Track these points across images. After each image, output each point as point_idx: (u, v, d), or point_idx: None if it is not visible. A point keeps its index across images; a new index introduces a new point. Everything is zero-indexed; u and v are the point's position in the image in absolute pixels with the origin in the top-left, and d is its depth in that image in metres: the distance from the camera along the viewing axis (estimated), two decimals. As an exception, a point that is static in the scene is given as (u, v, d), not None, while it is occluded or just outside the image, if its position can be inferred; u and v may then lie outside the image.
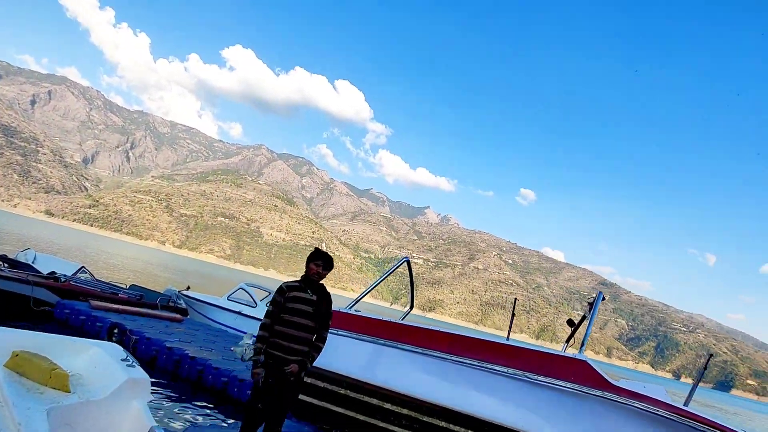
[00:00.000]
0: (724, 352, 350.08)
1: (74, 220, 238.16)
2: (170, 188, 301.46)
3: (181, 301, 11.74)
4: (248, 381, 6.46)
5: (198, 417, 5.63)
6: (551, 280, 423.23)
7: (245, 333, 10.01)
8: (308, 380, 4.61)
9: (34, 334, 2.35)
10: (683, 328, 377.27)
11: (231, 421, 5.71)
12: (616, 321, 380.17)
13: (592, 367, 3.97)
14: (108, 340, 5.59)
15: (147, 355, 7.34)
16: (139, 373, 2.57)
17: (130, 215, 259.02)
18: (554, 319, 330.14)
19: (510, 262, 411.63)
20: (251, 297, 11.18)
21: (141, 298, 10.57)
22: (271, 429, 3.12)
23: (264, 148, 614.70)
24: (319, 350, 3.19)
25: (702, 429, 3.63)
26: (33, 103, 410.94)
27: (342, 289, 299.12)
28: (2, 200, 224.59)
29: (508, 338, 6.09)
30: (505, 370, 4.08)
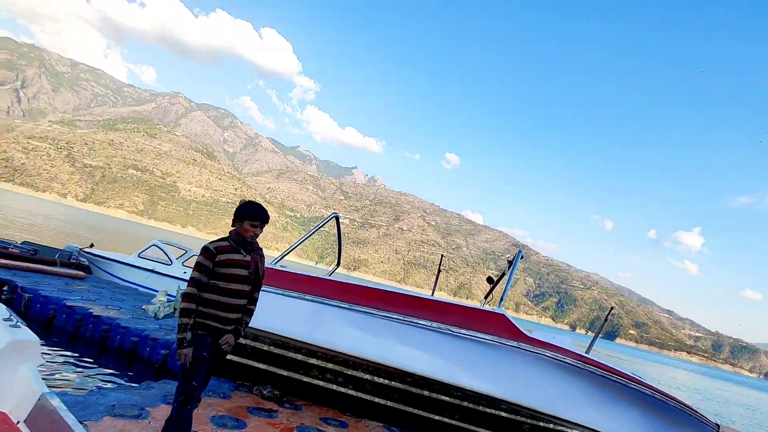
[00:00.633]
0: (612, 307, 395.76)
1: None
2: (72, 135, 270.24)
3: (84, 259, 10.78)
4: (162, 340, 6.10)
5: (103, 381, 5.15)
6: (470, 241, 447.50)
7: (155, 291, 9.47)
8: None
9: None
10: (581, 286, 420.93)
11: (143, 384, 5.16)
12: (525, 279, 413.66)
13: (509, 320, 4.23)
14: (-6, 299, 4.43)
15: (43, 314, 6.63)
16: (26, 334, 2.29)
17: (23, 164, 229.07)
18: (471, 278, 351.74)
19: (433, 223, 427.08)
20: (166, 254, 10.50)
21: (36, 253, 9.52)
22: None
23: (181, 96, 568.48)
24: (251, 314, 2.97)
25: (601, 374, 4.13)
26: None
27: (266, 248, 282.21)
28: None
29: (433, 294, 6.21)
30: (430, 323, 4.24)
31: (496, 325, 4.22)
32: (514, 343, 4.15)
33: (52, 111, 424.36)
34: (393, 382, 4.42)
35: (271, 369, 4.59)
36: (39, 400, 2.07)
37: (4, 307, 2.44)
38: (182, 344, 2.63)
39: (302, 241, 5.07)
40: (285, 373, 4.56)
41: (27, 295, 6.83)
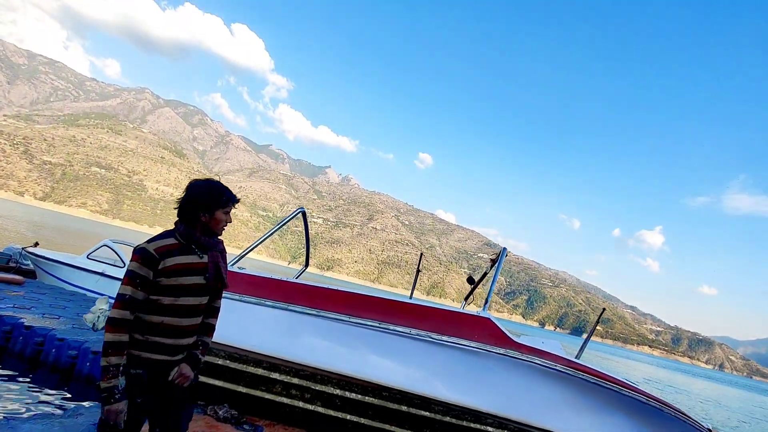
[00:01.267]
0: (580, 303, 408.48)
1: None
2: (29, 131, 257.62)
3: (28, 261, 9.88)
4: None
5: (33, 404, 4.26)
6: (443, 240, 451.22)
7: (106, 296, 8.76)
8: None
9: None
10: (550, 284, 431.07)
11: (85, 403, 4.45)
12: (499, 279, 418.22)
13: (495, 324, 3.89)
14: None
15: (-35, 326, 5.65)
16: None
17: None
18: (444, 277, 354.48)
19: (406, 223, 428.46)
20: (118, 255, 9.71)
21: (-33, 256, 8.62)
22: None
23: (148, 92, 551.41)
24: (212, 331, 2.21)
25: (594, 381, 3.83)
26: None
27: (237, 248, 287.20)
28: None
29: (411, 297, 5.79)
30: (408, 331, 3.83)
31: (482, 331, 3.86)
32: (501, 351, 3.79)
33: (7, 105, 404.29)
34: (367, 397, 3.96)
35: (228, 386, 4.08)
36: None
37: None
38: (111, 397, 1.75)
39: (264, 239, 4.49)
40: (244, 390, 4.05)
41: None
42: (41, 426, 3.07)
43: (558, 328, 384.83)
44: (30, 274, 9.62)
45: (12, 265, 9.43)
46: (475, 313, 3.94)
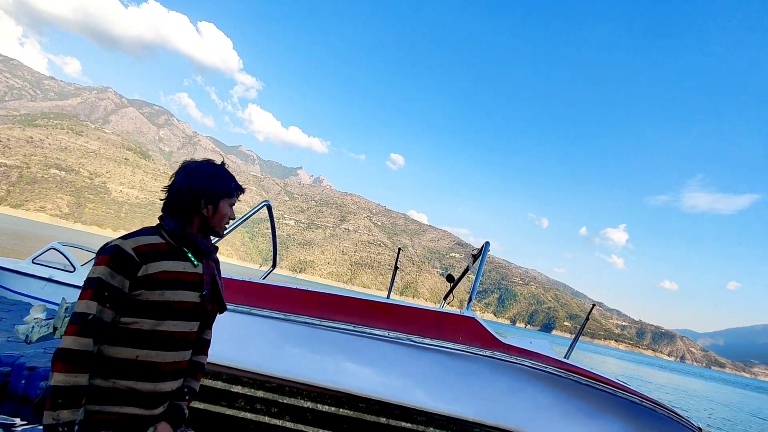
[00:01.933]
0: (549, 300, 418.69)
1: None
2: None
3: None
4: (42, 369, 4.43)
5: None
6: (416, 240, 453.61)
7: (54, 304, 8.14)
8: None
9: None
10: (520, 281, 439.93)
11: (18, 428, 3.84)
12: (468, 276, 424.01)
13: (480, 324, 3.58)
14: None
15: None
16: None
17: None
18: (417, 276, 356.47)
19: (379, 224, 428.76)
20: (67, 259, 9.08)
21: None
22: None
23: (111, 91, 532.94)
24: (201, 372, 1.63)
25: (586, 383, 3.56)
26: None
27: (218, 254, 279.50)
28: None
29: (388, 297, 5.47)
30: (386, 334, 3.46)
31: (466, 332, 3.52)
32: (488, 353, 3.47)
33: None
34: (341, 410, 3.56)
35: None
36: None
37: None
38: None
39: (225, 235, 2.72)
40: (201, 405, 3.56)
41: None
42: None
43: (528, 325, 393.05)
44: (-32, 282, 8.89)
45: (-53, 272, 8.70)
46: (459, 313, 3.60)
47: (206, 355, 1.61)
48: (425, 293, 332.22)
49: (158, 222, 1.45)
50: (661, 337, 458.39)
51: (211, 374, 3.52)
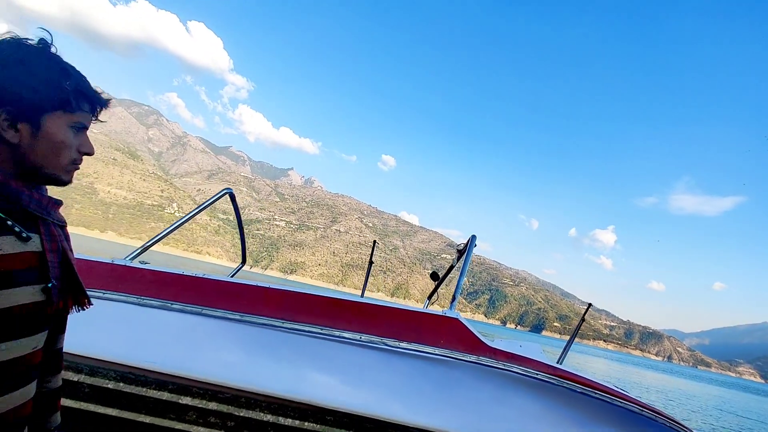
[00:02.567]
0: (539, 301, 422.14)
1: None
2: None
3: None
4: None
5: None
6: (407, 242, 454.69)
7: None
8: None
9: None
10: (511, 283, 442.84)
11: None
12: (456, 274, 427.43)
13: (465, 326, 3.20)
14: None
15: None
16: None
17: None
18: (408, 278, 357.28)
19: (370, 225, 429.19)
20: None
21: None
22: None
23: (98, 90, 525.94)
24: (58, 401, 1.00)
25: (582, 391, 3.17)
26: None
27: (197, 253, 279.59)
28: None
29: (363, 294, 5.04)
30: (358, 337, 3.03)
31: (449, 334, 3.13)
32: (474, 358, 3.08)
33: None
34: (306, 423, 3.13)
35: (125, 415, 3.03)
36: None
37: None
38: None
39: (180, 224, 3.53)
40: (147, 419, 3.05)
41: None
42: None
43: (519, 326, 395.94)
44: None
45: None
46: (441, 313, 3.22)
47: (60, 373, 1.02)
48: (416, 294, 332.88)
49: None
50: (648, 338, 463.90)
51: (156, 384, 3.01)
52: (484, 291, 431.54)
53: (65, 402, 2.85)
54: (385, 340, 3.03)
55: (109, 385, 2.96)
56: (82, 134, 0.96)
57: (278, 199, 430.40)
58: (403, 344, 3.03)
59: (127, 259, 3.16)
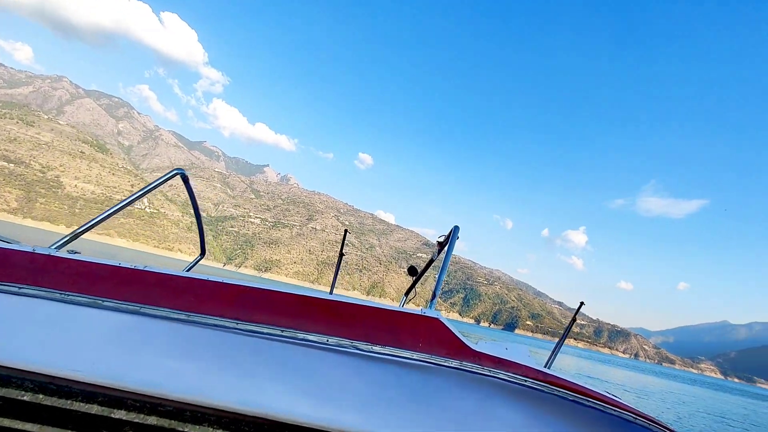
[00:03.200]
0: (513, 300, 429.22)
1: None
2: None
3: None
4: None
5: None
6: (383, 240, 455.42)
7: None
8: None
9: None
10: (485, 282, 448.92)
11: None
12: (435, 276, 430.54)
13: (446, 327, 2.84)
14: None
15: None
16: None
17: None
18: (384, 276, 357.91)
19: (347, 223, 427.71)
20: None
21: None
22: None
23: (66, 80, 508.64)
24: None
25: (572, 398, 2.88)
26: None
27: (168, 250, 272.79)
28: None
29: (331, 292, 4.38)
30: (324, 340, 2.63)
31: (429, 336, 2.77)
32: (456, 363, 2.72)
33: None
34: None
35: (44, 431, 2.52)
36: None
37: None
38: None
39: (120, 208, 2.98)
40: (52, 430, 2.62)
41: None
42: None
43: (492, 324, 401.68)
44: None
45: None
46: (420, 312, 2.85)
47: None
48: (392, 293, 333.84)
49: None
50: (616, 336, 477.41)
51: (82, 395, 2.56)
52: (459, 290, 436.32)
53: None
54: (357, 344, 2.65)
55: (25, 398, 2.52)
56: None
57: (253, 196, 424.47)
58: (377, 348, 2.66)
59: (52, 247, 2.73)
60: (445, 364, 2.68)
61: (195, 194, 4.03)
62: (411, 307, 3.13)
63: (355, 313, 2.71)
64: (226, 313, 2.58)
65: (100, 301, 2.51)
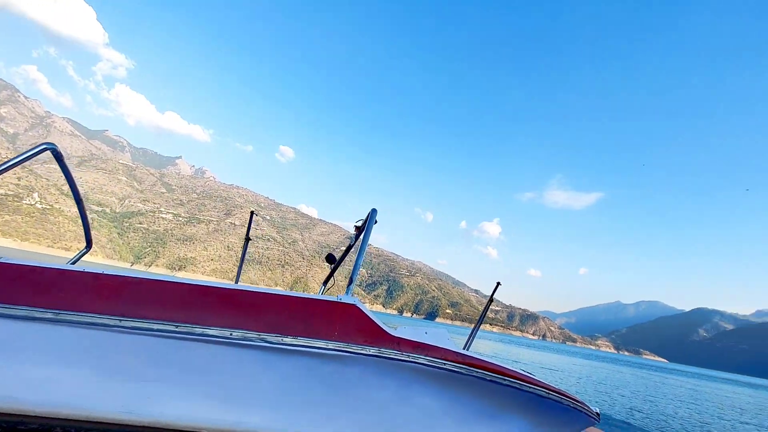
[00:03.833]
0: (433, 290, 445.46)
1: None
2: None
3: None
4: None
5: None
6: (306, 235, 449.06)
7: None
8: None
9: None
10: (407, 273, 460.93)
11: None
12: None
13: (364, 313, 2.72)
14: None
15: None
16: None
17: None
18: (307, 271, 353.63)
19: (268, 218, 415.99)
20: None
21: None
22: None
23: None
24: None
25: (492, 378, 2.90)
26: None
27: (65, 250, 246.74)
28: None
29: (237, 282, 4.19)
30: (227, 333, 2.31)
31: (346, 324, 2.60)
32: (375, 350, 2.59)
33: None
34: None
35: None
36: None
37: None
38: None
39: None
40: None
41: None
42: None
43: (415, 314, 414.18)
44: None
45: None
46: (336, 299, 2.68)
47: None
48: (316, 287, 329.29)
49: None
50: (527, 319, 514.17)
51: None
52: (383, 282, 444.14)
53: None
54: (265, 336, 2.40)
55: None
56: None
57: (164, 190, 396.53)
58: (288, 339, 2.44)
59: None
60: (363, 352, 2.56)
61: (72, 174, 3.60)
62: (330, 296, 2.96)
63: (262, 302, 2.47)
64: (107, 309, 2.18)
65: None
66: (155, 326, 2.20)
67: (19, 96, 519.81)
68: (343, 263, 4.24)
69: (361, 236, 3.23)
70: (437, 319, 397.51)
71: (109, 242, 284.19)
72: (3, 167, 2.63)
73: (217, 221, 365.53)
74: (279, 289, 2.74)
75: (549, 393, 3.16)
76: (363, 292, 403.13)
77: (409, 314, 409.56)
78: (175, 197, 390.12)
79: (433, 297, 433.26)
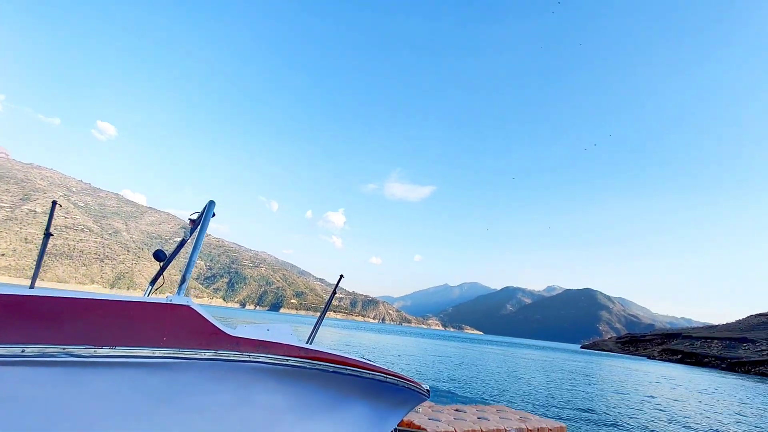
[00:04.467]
0: (278, 281, 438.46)
1: None
2: None
3: None
4: None
5: None
6: (131, 225, 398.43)
7: None
8: None
9: None
10: (251, 264, 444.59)
11: None
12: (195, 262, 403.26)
13: (199, 313, 2.46)
14: None
15: None
16: None
17: None
18: (133, 266, 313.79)
19: (81, 204, 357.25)
20: None
21: None
22: None
23: None
24: None
25: (334, 370, 2.91)
26: None
27: None
28: None
29: (32, 286, 3.18)
30: (19, 351, 1.89)
31: (177, 327, 2.32)
32: (211, 353, 2.39)
33: None
34: None
35: None
36: None
37: None
38: None
39: None
40: None
41: None
42: None
43: (258, 306, 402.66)
44: None
45: None
46: (166, 301, 2.37)
47: None
48: (143, 284, 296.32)
49: None
50: (368, 304, 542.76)
51: None
52: (223, 274, 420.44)
53: None
54: (72, 349, 1.96)
55: None
56: None
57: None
58: (103, 351, 2.03)
59: None
60: (197, 356, 2.34)
61: None
62: (160, 297, 2.61)
63: (67, 309, 2.02)
64: None
65: None
66: None
67: None
68: (176, 258, 3.80)
69: (197, 230, 2.94)
70: (282, 310, 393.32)
71: None
72: None
73: (11, 208, 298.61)
74: (91, 292, 2.28)
75: (387, 377, 3.38)
76: (201, 286, 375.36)
77: (252, 306, 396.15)
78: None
79: (278, 288, 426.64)
